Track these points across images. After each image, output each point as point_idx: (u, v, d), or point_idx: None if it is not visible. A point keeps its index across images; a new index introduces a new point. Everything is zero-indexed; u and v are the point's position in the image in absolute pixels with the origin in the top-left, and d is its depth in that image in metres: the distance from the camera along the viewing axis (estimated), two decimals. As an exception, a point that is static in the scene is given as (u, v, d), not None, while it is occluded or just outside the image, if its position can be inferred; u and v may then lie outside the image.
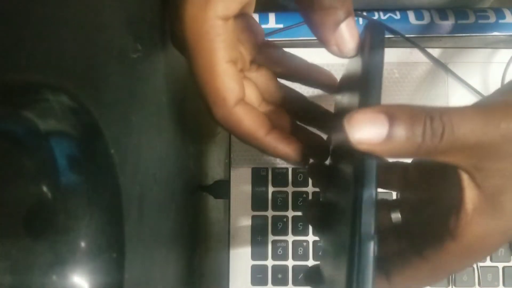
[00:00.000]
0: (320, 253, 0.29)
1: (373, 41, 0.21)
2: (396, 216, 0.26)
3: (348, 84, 0.25)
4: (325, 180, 0.29)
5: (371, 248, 0.19)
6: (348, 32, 0.22)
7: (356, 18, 0.45)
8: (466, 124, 0.19)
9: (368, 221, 0.19)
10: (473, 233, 0.20)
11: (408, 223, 0.26)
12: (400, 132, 0.19)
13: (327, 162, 0.29)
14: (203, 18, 0.22)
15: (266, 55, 0.28)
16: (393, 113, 0.19)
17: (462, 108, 0.19)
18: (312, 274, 0.28)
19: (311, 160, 0.28)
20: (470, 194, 0.20)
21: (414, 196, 0.26)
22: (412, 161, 0.26)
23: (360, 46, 0.22)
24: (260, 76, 0.28)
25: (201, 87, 0.23)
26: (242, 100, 0.24)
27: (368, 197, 0.19)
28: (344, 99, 0.25)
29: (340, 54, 0.22)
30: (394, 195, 0.42)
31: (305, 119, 0.30)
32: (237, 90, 0.23)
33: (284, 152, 0.26)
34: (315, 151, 0.29)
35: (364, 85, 0.20)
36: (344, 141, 0.20)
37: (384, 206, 0.26)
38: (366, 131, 0.18)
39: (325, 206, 0.28)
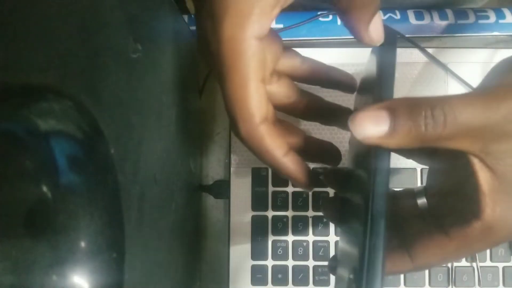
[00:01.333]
0: (338, 246, 0.30)
1: (385, 44, 0.24)
2: (422, 201, 0.27)
3: (365, 84, 0.26)
4: (340, 182, 0.30)
5: (383, 223, 0.20)
6: (377, 25, 0.24)
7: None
8: (468, 109, 0.20)
9: (381, 201, 0.20)
10: (495, 212, 0.21)
11: (434, 207, 0.27)
12: (402, 123, 0.20)
13: (343, 165, 0.31)
14: (240, 38, 0.23)
15: (287, 63, 0.29)
16: (394, 107, 0.20)
17: (463, 95, 0.21)
18: (332, 264, 0.30)
19: (314, 184, 0.29)
20: (483, 176, 0.21)
21: (439, 179, 0.27)
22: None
23: (375, 50, 0.25)
24: (281, 87, 0.29)
25: (232, 103, 0.24)
26: (266, 119, 0.25)
27: (381, 181, 0.21)
28: (363, 99, 0.27)
29: (373, 44, 0.25)
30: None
31: (327, 120, 0.32)
32: (265, 109, 0.25)
33: (295, 176, 0.27)
34: (328, 157, 0.31)
35: (377, 85, 0.22)
36: (355, 139, 0.21)
37: (410, 194, 0.27)
38: (368, 128, 0.20)
39: (342, 202, 0.30)
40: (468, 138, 0.20)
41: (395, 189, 0.29)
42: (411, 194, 0.27)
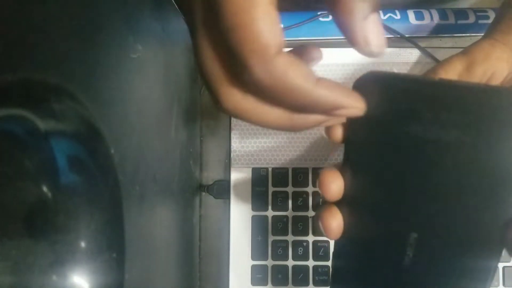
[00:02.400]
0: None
1: None
2: None
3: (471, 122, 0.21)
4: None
5: None
6: (375, 27, 0.19)
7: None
8: None
9: None
10: None
11: None
12: None
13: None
14: None
15: None
16: None
17: None
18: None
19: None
20: None
21: None
22: None
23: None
24: None
25: (235, 34, 0.19)
26: (282, 50, 0.20)
27: None
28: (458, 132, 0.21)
29: (367, 49, 0.20)
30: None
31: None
32: (279, 36, 0.19)
33: (340, 99, 0.21)
34: None
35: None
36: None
37: None
38: None
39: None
40: None
41: None
42: None
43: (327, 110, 0.21)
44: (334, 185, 0.24)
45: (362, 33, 0.19)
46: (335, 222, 0.24)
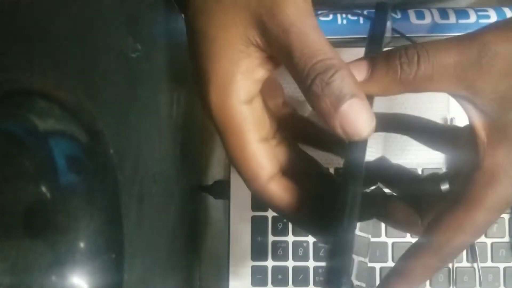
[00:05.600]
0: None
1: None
2: (445, 186, 0.26)
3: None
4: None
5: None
6: (353, 113, 0.20)
7: (356, 18, 0.45)
8: (441, 45, 0.21)
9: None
10: (495, 158, 0.21)
11: (454, 190, 0.26)
12: (379, 67, 0.21)
13: None
14: (227, 106, 0.22)
15: (287, 120, 0.28)
16: (374, 58, 0.22)
17: (436, 40, 0.22)
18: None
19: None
20: (479, 122, 0.21)
21: (456, 164, 0.26)
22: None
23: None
24: (283, 149, 0.27)
25: (235, 166, 0.24)
26: (276, 176, 0.24)
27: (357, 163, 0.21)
28: None
29: (347, 137, 0.21)
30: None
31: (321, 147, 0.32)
32: (269, 167, 0.24)
33: (311, 229, 0.26)
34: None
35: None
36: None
37: (436, 178, 0.27)
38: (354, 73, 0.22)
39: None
40: (448, 77, 0.20)
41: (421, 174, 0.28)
42: (437, 178, 0.26)
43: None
44: None
45: (338, 123, 0.20)
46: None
